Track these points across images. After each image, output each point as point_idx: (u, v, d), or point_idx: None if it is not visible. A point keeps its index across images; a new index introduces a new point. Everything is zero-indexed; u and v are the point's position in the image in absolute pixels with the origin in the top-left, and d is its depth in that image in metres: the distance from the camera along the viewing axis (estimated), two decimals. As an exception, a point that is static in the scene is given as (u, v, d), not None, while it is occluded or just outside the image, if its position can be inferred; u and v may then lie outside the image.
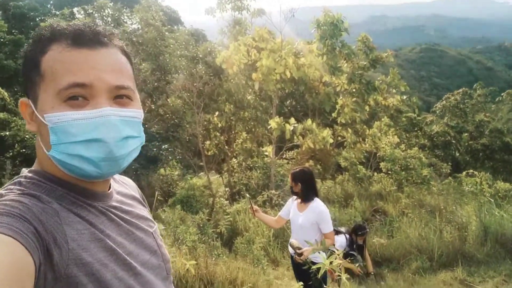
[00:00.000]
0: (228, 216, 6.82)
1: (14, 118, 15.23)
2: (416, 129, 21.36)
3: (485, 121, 23.17)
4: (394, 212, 8.54)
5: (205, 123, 10.79)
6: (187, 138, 11.37)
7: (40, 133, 0.78)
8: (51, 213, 0.69)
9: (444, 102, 26.37)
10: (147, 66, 12.12)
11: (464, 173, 13.20)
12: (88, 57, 0.74)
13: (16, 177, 0.80)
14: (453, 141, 21.86)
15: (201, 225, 5.72)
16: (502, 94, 30.66)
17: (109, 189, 0.89)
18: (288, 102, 13.33)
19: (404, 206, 8.73)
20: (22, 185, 0.75)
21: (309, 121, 7.49)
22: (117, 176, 1.02)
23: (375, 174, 12.06)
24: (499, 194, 10.34)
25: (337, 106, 10.50)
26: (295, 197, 3.55)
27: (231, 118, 10.58)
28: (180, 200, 7.62)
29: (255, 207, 3.61)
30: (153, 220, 1.00)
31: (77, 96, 0.73)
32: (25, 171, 0.81)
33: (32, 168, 0.82)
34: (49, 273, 0.63)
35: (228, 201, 8.51)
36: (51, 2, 28.10)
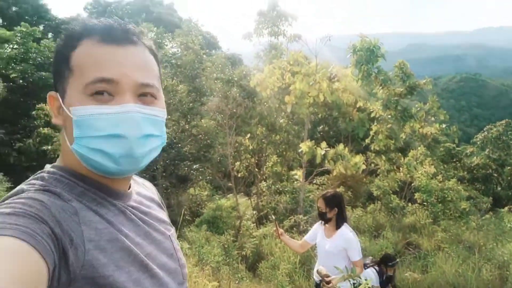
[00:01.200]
0: (254, 239, 6.72)
1: (57, 133, 16.09)
2: (454, 160, 20.54)
3: (528, 154, 21.94)
4: (429, 246, 8.12)
5: (236, 145, 10.88)
6: (218, 159, 11.48)
7: (65, 127, 0.78)
8: (70, 212, 0.69)
9: (485, 133, 25.20)
10: (184, 87, 12.50)
11: (506, 208, 12.44)
12: (116, 53, 0.75)
13: (39, 171, 0.80)
14: (495, 175, 20.76)
15: (226, 246, 5.66)
16: (549, 127, 29.00)
17: (129, 189, 0.89)
18: (320, 127, 13.23)
19: (440, 241, 8.29)
20: (44, 180, 0.75)
21: (341, 146, 7.36)
22: (137, 178, 1.02)
23: (409, 205, 11.60)
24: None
25: (371, 133, 10.28)
26: (321, 221, 3.43)
27: (263, 140, 10.61)
28: (207, 220, 7.62)
29: (280, 230, 3.52)
30: (170, 223, 0.99)
31: (103, 91, 0.74)
32: (48, 166, 0.82)
33: (56, 163, 0.83)
34: (64, 274, 0.63)
35: (255, 224, 8.41)
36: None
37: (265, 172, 11.15)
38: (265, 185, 11.01)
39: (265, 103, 10.23)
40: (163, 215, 0.99)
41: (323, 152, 7.37)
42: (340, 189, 7.75)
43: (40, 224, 0.61)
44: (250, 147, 10.75)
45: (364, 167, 7.46)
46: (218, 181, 12.17)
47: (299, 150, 7.65)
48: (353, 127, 9.85)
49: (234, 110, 10.10)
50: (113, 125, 0.73)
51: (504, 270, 5.49)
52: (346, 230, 3.24)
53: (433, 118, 10.89)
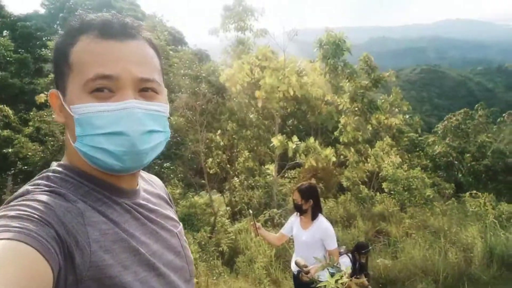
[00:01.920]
0: (230, 234, 6.73)
1: (18, 135, 15.32)
2: (418, 149, 21.34)
3: (487, 142, 23.10)
4: (397, 233, 8.42)
5: (207, 141, 10.80)
6: (189, 156, 11.36)
7: (67, 125, 0.78)
8: (75, 213, 0.68)
9: (445, 122, 26.37)
10: (150, 84, 12.18)
11: (467, 194, 13.10)
12: (115, 48, 0.74)
13: (44, 170, 0.79)
14: (455, 162, 21.75)
15: (203, 244, 5.64)
16: (503, 115, 30.73)
17: (136, 186, 0.88)
18: (290, 121, 13.37)
19: (408, 227, 8.61)
20: (49, 180, 0.74)
21: (311, 139, 7.49)
22: (144, 174, 1.01)
23: (378, 194, 11.96)
24: (503, 215, 10.22)
25: (340, 125, 10.51)
26: (297, 213, 3.50)
27: (233, 136, 10.59)
28: (181, 218, 7.54)
29: (257, 224, 3.56)
30: (178, 220, 0.99)
31: (103, 88, 0.73)
32: (54, 164, 0.81)
33: (61, 161, 0.82)
34: (70, 275, 0.62)
35: (229, 220, 8.41)
36: (58, 22, 28.68)
37: (237, 167, 11.16)
38: (238, 180, 11.02)
39: (235, 99, 10.21)
40: (171, 212, 0.98)
41: (294, 146, 7.46)
42: (311, 181, 7.88)
43: (44, 227, 0.61)
44: (221, 143, 10.71)
45: (334, 159, 7.63)
46: (190, 179, 12.06)
47: (271, 145, 7.72)
48: (322, 120, 10.04)
49: (204, 107, 10.02)
50: (114, 122, 0.72)
51: (469, 252, 5.80)
52: (322, 220, 3.32)
53: (397, 110, 11.29)
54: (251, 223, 3.57)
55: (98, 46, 0.74)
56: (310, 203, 3.34)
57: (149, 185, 0.97)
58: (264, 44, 9.53)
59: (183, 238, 0.95)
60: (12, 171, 12.83)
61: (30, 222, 0.60)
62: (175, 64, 13.30)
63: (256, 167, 10.82)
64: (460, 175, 21.60)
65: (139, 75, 0.75)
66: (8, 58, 19.90)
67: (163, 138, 0.81)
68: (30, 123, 16.46)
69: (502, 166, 20.90)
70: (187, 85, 11.41)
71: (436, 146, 22.84)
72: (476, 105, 29.21)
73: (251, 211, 3.70)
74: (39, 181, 0.74)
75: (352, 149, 10.37)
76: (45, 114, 12.49)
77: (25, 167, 12.99)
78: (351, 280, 3.73)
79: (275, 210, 8.13)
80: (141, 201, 0.86)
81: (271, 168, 8.58)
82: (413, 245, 6.55)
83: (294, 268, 3.41)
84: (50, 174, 0.77)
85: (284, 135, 7.68)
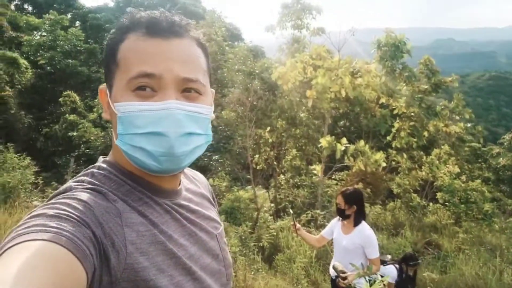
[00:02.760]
0: (272, 231, 6.76)
1: (82, 120, 16.52)
2: (480, 160, 19.99)
3: (558, 158, 21.07)
4: (449, 247, 7.98)
5: (256, 137, 10.90)
6: (237, 150, 11.54)
7: (112, 122, 0.78)
8: (113, 214, 0.69)
9: (513, 134, 24.38)
10: (205, 79, 12.53)
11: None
12: (160, 47, 0.73)
13: (91, 166, 0.81)
14: (522, 176, 20.08)
15: (243, 238, 5.72)
16: None
17: (179, 186, 0.87)
18: (341, 123, 13.09)
19: (461, 242, 8.13)
20: (93, 177, 0.76)
21: (361, 142, 7.28)
22: (188, 172, 1.01)
23: (431, 204, 11.39)
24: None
25: (393, 130, 10.11)
26: (339, 218, 3.43)
27: (282, 134, 10.59)
28: (225, 211, 7.70)
29: (297, 224, 3.54)
30: (219, 221, 0.98)
31: (145, 86, 0.73)
32: (100, 160, 0.83)
33: (107, 158, 0.83)
34: (105, 276, 0.63)
35: (272, 217, 8.44)
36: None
37: (284, 165, 11.15)
38: (284, 178, 11.02)
39: (286, 97, 10.19)
40: (213, 212, 0.97)
41: (343, 148, 7.31)
42: (359, 186, 7.69)
43: (81, 227, 0.62)
44: (270, 140, 10.75)
45: (384, 164, 7.36)
46: (237, 173, 12.25)
47: (319, 145, 7.61)
48: (374, 124, 9.71)
49: (255, 103, 10.11)
50: (154, 122, 0.71)
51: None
52: (364, 227, 3.23)
53: (458, 117, 10.62)
54: (291, 222, 3.56)
55: (144, 44, 0.73)
56: (353, 209, 3.25)
57: (192, 184, 0.97)
58: (320, 43, 9.40)
59: (222, 240, 0.93)
60: (76, 153, 13.86)
61: (68, 222, 0.61)
62: (230, 60, 13.52)
63: (303, 166, 10.74)
64: (525, 191, 19.94)
65: (182, 74, 0.74)
66: (78, 48, 21.42)
67: (204, 141, 0.79)
68: (94, 110, 17.68)
69: None
70: (240, 81, 11.58)
71: (501, 158, 21.23)
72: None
73: (291, 211, 3.68)
74: (84, 178, 0.76)
75: (405, 155, 9.93)
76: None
77: (87, 150, 13.99)
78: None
79: (318, 211, 8.03)
80: (182, 202, 0.85)
81: (318, 168, 8.47)
82: (465, 261, 6.18)
83: (332, 272, 3.36)
84: (95, 170, 0.78)
85: (333, 137, 7.53)
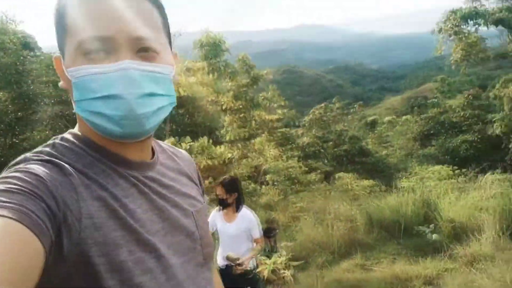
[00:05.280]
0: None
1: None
2: (290, 142, 23.28)
3: (344, 130, 26.63)
4: (286, 219, 9.11)
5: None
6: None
7: (70, 91, 0.72)
8: (68, 188, 0.64)
9: (310, 116, 29.47)
10: (4, 94, 10.62)
11: (337, 175, 14.91)
12: (109, 6, 0.68)
13: (54, 137, 0.76)
14: (322, 150, 24.47)
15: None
16: (355, 105, 35.75)
17: (151, 158, 0.82)
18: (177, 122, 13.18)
19: (295, 212, 9.39)
20: (54, 148, 0.71)
21: (204, 139, 7.56)
22: (169, 148, 0.96)
23: (263, 187, 12.71)
24: (366, 189, 12.02)
25: (225, 124, 10.84)
26: (219, 208, 3.51)
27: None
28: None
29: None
30: (200, 200, 0.92)
31: (98, 49, 0.68)
32: (66, 132, 0.78)
33: (73, 129, 0.78)
34: (59, 251, 0.60)
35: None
36: None
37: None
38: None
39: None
40: (192, 190, 0.91)
41: (188, 147, 7.43)
42: (209, 181, 7.97)
43: (35, 201, 0.58)
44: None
45: (229, 155, 7.85)
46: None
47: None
48: (209, 120, 10.20)
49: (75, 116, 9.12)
50: (109, 85, 0.67)
51: (354, 222, 6.66)
52: (246, 211, 3.42)
53: (275, 105, 12.21)
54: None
55: (92, 5, 0.68)
56: (234, 196, 3.38)
57: (169, 160, 0.91)
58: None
59: (201, 218, 0.88)
60: None
61: (21, 196, 0.57)
62: (35, 71, 11.80)
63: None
64: (326, 161, 24.39)
65: (135, 33, 0.69)
66: None
67: (167, 102, 0.75)
68: None
69: (357, 150, 24.30)
70: (51, 93, 10.27)
71: (305, 138, 25.31)
72: (333, 99, 33.33)
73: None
74: (44, 149, 0.71)
75: (240, 146, 10.81)
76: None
77: None
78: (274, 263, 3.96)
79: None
80: (154, 175, 0.80)
81: None
82: (305, 226, 7.19)
83: (220, 262, 3.42)
84: (57, 141, 0.73)
85: (176, 137, 7.56)
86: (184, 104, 9.38)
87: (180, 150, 1.00)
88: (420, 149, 23.14)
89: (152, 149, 0.85)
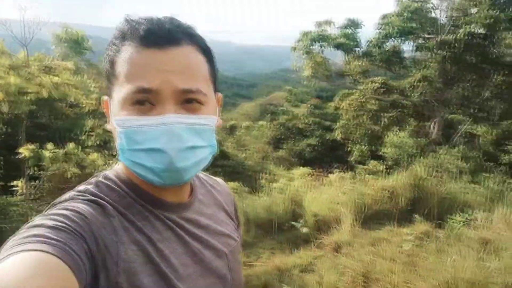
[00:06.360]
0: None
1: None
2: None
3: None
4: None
5: None
6: None
7: (114, 136, 0.74)
8: (109, 230, 0.67)
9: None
10: None
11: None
12: (156, 58, 0.69)
13: (99, 174, 0.77)
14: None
15: None
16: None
17: (188, 197, 0.83)
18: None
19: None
20: (97, 188, 0.73)
21: (72, 145, 6.86)
22: (208, 179, 0.97)
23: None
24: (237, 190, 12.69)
25: (87, 128, 9.93)
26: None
27: None
28: None
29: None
30: (235, 236, 0.93)
31: (144, 100, 0.69)
32: (109, 169, 0.80)
33: (115, 167, 0.79)
34: None
35: None
36: None
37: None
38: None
39: None
40: (228, 226, 0.93)
41: (51, 155, 6.63)
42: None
43: (78, 240, 0.61)
44: None
45: (103, 163, 7.26)
46: None
47: (21, 156, 6.44)
48: (70, 125, 9.21)
49: None
50: (153, 138, 0.69)
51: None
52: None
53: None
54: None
55: (139, 56, 0.69)
56: None
57: (209, 195, 0.92)
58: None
59: (234, 258, 0.89)
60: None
61: (66, 234, 0.60)
62: None
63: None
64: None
65: (180, 86, 0.70)
66: None
67: (207, 153, 0.76)
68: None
69: (219, 154, 25.23)
70: None
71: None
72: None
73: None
74: (87, 187, 0.73)
75: (106, 152, 10.06)
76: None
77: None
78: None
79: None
80: (191, 215, 0.81)
81: (20, 184, 7.07)
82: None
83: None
84: (100, 180, 0.75)
85: (38, 143, 6.65)
86: (44, 106, 8.24)
87: (218, 180, 1.01)
88: (274, 152, 25.49)
89: (191, 184, 0.86)
